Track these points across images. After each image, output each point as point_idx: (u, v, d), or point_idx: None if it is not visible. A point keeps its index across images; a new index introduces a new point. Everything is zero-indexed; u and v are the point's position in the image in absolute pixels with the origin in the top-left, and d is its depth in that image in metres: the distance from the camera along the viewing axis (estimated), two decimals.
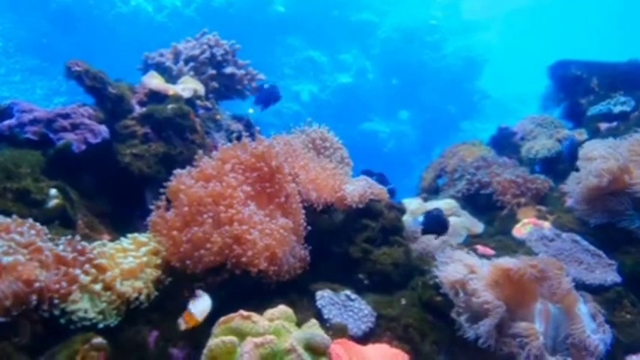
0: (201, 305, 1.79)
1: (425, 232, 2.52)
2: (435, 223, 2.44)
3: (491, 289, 1.87)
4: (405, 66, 13.56)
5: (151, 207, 2.15)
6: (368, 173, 2.91)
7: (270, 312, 1.66)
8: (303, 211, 2.29)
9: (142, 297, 1.83)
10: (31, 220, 1.80)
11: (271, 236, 2.01)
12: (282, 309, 1.70)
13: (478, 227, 3.03)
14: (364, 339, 1.94)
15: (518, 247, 2.64)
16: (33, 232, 1.74)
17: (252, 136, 2.45)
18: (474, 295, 1.89)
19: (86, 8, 11.55)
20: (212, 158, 2.27)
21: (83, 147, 2.41)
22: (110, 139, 2.55)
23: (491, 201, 3.22)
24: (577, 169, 2.73)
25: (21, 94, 10.26)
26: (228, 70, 3.36)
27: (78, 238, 1.86)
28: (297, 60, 13.50)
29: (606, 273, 2.34)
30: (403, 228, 2.60)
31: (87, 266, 1.77)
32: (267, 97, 3.47)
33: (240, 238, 1.95)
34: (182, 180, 2.13)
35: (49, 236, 1.81)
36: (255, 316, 1.58)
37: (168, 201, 2.15)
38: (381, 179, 2.94)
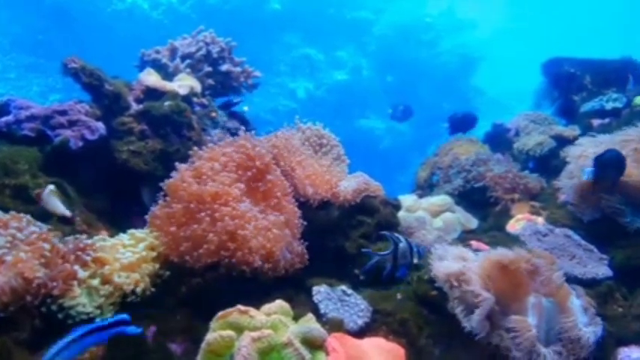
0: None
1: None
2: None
3: (483, 281, 1.90)
4: (401, 63, 13.56)
5: (149, 203, 2.17)
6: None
7: (267, 307, 1.68)
8: (297, 209, 2.30)
9: (139, 289, 1.85)
10: (30, 218, 1.81)
11: (264, 234, 2.03)
12: (279, 304, 1.71)
13: (472, 223, 3.06)
14: (360, 333, 1.95)
15: (512, 242, 2.66)
16: (34, 228, 1.75)
17: (243, 132, 2.45)
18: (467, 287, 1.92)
19: (82, 5, 11.47)
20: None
21: (80, 143, 2.42)
22: (107, 136, 2.56)
23: (485, 197, 3.24)
24: None
25: (17, 91, 10.19)
26: (225, 67, 3.37)
27: (83, 237, 1.88)
28: (292, 57, 13.47)
29: (598, 267, 2.38)
30: (398, 224, 2.63)
31: (87, 260, 1.79)
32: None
33: (234, 234, 1.96)
34: (181, 176, 2.14)
35: (52, 233, 1.82)
36: (252, 310, 1.60)
37: (166, 196, 2.16)
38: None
